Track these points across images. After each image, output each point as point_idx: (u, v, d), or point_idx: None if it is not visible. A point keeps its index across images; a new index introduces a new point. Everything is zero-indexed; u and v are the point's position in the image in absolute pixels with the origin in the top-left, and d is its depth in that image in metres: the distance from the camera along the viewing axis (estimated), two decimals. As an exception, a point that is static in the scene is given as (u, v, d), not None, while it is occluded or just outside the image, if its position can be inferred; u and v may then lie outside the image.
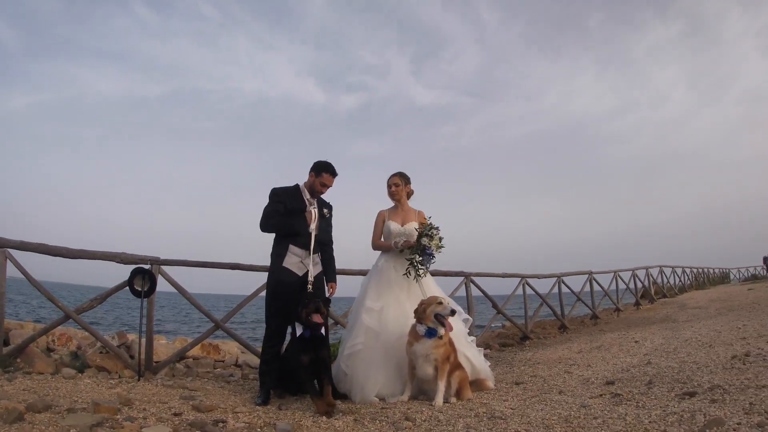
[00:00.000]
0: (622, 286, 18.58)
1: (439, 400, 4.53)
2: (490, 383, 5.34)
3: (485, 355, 6.00)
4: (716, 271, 40.42)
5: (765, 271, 41.04)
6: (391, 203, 5.90)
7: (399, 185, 5.78)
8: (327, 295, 5.30)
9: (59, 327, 6.83)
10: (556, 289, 13.45)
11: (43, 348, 7.51)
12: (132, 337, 7.55)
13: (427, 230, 5.37)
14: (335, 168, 5.24)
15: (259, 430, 3.52)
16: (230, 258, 6.99)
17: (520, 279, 11.93)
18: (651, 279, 22.10)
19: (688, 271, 30.90)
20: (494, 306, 10.92)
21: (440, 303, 4.80)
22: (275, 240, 5.17)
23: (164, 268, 6.47)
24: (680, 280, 28.19)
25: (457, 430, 3.61)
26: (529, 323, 11.67)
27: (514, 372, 6.49)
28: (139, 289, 5.81)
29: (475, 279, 10.21)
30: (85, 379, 5.26)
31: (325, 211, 5.34)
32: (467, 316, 5.55)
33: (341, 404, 4.63)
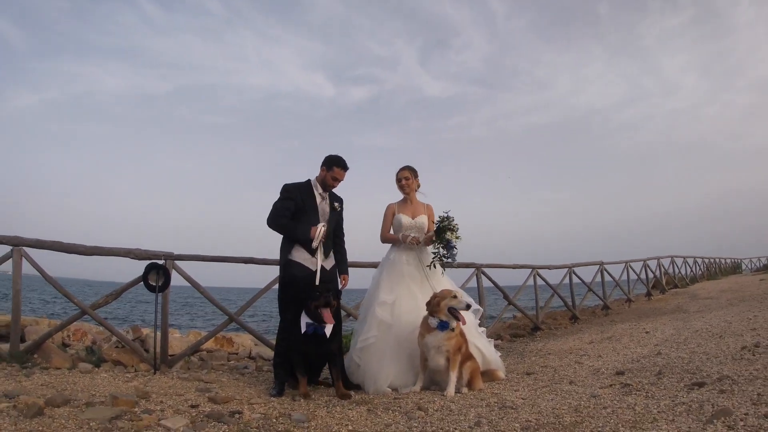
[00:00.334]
0: (633, 276, 18.50)
1: (451, 390, 4.57)
2: (501, 373, 5.38)
3: (496, 346, 6.03)
4: (728, 261, 40.10)
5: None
6: (399, 196, 5.92)
7: (409, 178, 5.78)
8: (339, 287, 5.36)
9: (74, 322, 6.91)
10: (567, 280, 13.44)
11: (59, 343, 7.61)
12: (146, 331, 7.63)
13: (448, 224, 5.38)
14: (346, 162, 5.28)
15: (274, 420, 3.57)
16: (243, 251, 7.07)
17: (531, 270, 11.95)
18: (662, 269, 21.99)
19: (699, 261, 30.69)
20: (505, 297, 10.95)
21: (455, 297, 4.83)
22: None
23: (178, 263, 6.54)
24: (692, 271, 28.01)
25: (468, 419, 3.65)
26: (540, 314, 11.69)
27: (525, 362, 6.53)
28: (154, 284, 5.87)
29: (486, 270, 10.23)
30: (101, 374, 5.33)
31: (336, 204, 5.37)
32: (478, 307, 5.59)
33: (355, 395, 4.71)
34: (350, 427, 3.49)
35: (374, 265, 5.81)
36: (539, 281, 12.09)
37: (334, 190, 5.39)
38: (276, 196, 5.20)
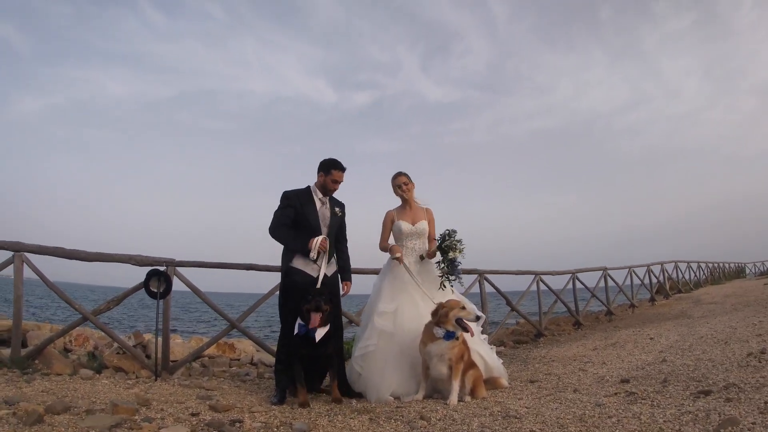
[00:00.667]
0: (636, 281, 18.42)
1: (454, 399, 4.53)
2: (504, 381, 5.33)
3: (499, 353, 5.99)
4: (731, 265, 40.06)
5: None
6: (397, 203, 5.85)
7: (408, 183, 5.73)
8: (342, 294, 5.38)
9: (76, 328, 6.89)
10: (570, 286, 13.38)
11: (61, 349, 7.61)
12: (148, 336, 7.62)
13: (451, 243, 5.36)
14: (342, 163, 5.27)
15: (275, 429, 3.54)
16: (244, 257, 7.07)
17: (534, 276, 11.91)
18: (666, 274, 21.95)
19: (703, 266, 30.66)
20: (508, 303, 10.91)
21: (463, 308, 4.80)
22: None
23: (179, 269, 6.52)
24: (695, 275, 27.98)
25: (471, 429, 3.61)
26: (543, 320, 11.63)
27: (528, 370, 6.48)
28: (155, 290, 5.86)
29: (489, 276, 10.19)
30: (102, 380, 5.31)
31: (337, 210, 5.34)
32: (480, 314, 5.56)
33: (357, 403, 4.67)
34: (352, 437, 3.47)
35: (376, 272, 5.77)
36: (542, 287, 12.03)
37: (335, 195, 5.37)
38: (277, 201, 5.19)
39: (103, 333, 7.06)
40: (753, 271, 44.31)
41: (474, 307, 5.17)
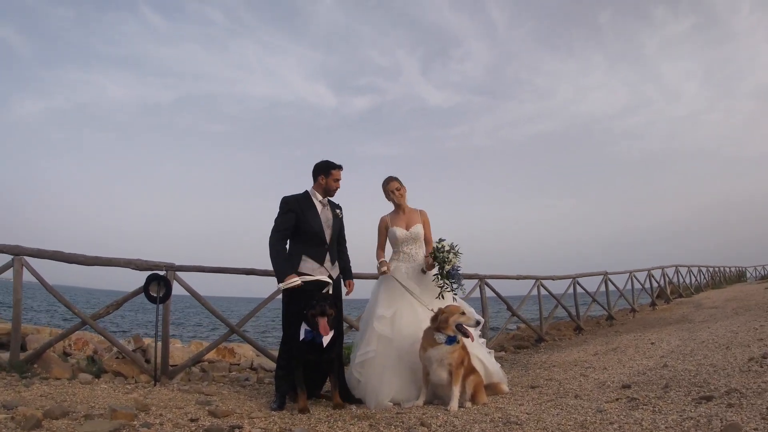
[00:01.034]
0: (637, 286, 18.44)
1: (454, 404, 4.49)
2: (505, 386, 5.29)
3: (499, 358, 5.97)
4: (732, 269, 40.04)
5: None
6: (390, 208, 5.85)
7: (401, 188, 5.72)
8: (345, 293, 5.44)
9: (76, 332, 6.88)
10: (571, 290, 13.37)
11: (60, 353, 7.59)
12: (148, 341, 7.60)
13: (443, 257, 5.34)
14: (336, 162, 5.32)
15: (274, 436, 3.53)
16: (244, 261, 7.07)
17: (534, 281, 11.90)
18: (667, 279, 21.96)
19: (704, 270, 30.65)
20: (509, 308, 10.89)
21: (463, 314, 4.77)
22: (290, 246, 5.19)
23: (179, 273, 6.51)
24: (696, 280, 27.96)
25: (472, 435, 3.60)
26: (544, 325, 11.61)
27: (529, 375, 6.45)
28: (155, 295, 5.85)
29: (490, 281, 10.18)
30: (101, 385, 5.30)
31: (338, 211, 5.38)
32: (480, 318, 5.55)
33: (356, 409, 4.64)
34: (352, 443, 3.45)
35: (376, 276, 5.76)
36: (543, 292, 12.02)
37: (331, 198, 5.40)
38: (276, 204, 5.19)
39: (102, 337, 7.04)
40: (754, 275, 44.37)
41: (473, 311, 5.16)
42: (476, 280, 9.91)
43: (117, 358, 6.38)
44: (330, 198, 5.38)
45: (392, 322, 5.20)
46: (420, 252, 5.65)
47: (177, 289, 6.39)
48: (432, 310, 4.91)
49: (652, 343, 8.14)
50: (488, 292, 10.06)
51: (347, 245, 5.59)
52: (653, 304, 18.85)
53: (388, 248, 5.80)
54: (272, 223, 5.12)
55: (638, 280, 18.53)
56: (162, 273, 6.18)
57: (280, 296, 5.35)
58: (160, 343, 6.20)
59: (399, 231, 5.62)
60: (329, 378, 4.94)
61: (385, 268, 5.47)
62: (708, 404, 3.91)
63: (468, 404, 4.63)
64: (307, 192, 5.29)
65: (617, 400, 4.41)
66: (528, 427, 3.72)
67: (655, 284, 20.29)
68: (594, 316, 15.76)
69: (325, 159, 5.31)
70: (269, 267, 6.90)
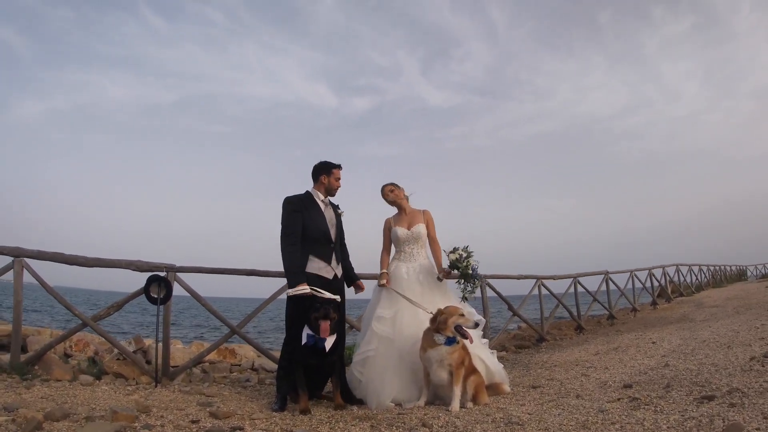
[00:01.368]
0: (638, 285, 18.43)
1: (456, 405, 4.49)
2: (506, 387, 5.28)
3: (500, 358, 5.96)
4: (733, 268, 40.04)
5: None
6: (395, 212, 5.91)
7: (394, 190, 5.82)
8: (356, 293, 5.57)
9: (77, 333, 6.88)
10: (572, 290, 13.35)
11: (61, 354, 7.58)
12: (149, 342, 7.59)
13: (466, 265, 5.44)
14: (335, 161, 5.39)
15: (275, 437, 3.52)
16: (245, 261, 7.08)
17: (535, 280, 11.88)
18: (667, 278, 21.96)
19: (704, 269, 30.65)
20: (510, 308, 10.88)
21: (462, 315, 4.76)
22: None
23: (180, 274, 6.50)
24: (697, 279, 27.97)
25: (473, 436, 3.59)
26: (545, 325, 11.60)
27: (530, 375, 6.44)
28: (156, 296, 5.85)
29: (491, 281, 10.17)
30: (102, 386, 5.29)
31: (340, 211, 5.43)
32: (481, 319, 5.55)
33: (358, 410, 4.63)
34: (353, 444, 3.44)
35: (376, 277, 5.76)
36: (544, 291, 12.00)
37: (331, 198, 5.42)
38: (276, 204, 5.19)
39: (103, 339, 7.03)
40: (754, 273, 44.38)
41: (473, 311, 5.16)
42: (481, 275, 9.90)
43: (118, 359, 6.37)
44: (330, 198, 5.40)
45: (393, 322, 5.21)
46: (421, 252, 5.69)
47: (178, 290, 6.38)
48: (431, 312, 4.91)
49: (654, 343, 8.13)
50: (489, 292, 10.06)
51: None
52: (654, 304, 18.84)
53: (393, 248, 5.84)
54: (278, 226, 5.10)
55: (639, 280, 18.53)
56: (162, 274, 6.18)
57: (283, 297, 5.34)
58: (160, 345, 6.19)
59: (400, 230, 5.66)
60: (331, 380, 4.93)
61: (384, 281, 5.52)
62: (710, 404, 3.89)
63: (469, 405, 4.62)
64: (308, 192, 5.31)
65: (619, 399, 4.39)
66: (530, 427, 3.71)
67: (656, 283, 20.31)
68: (595, 316, 15.75)
69: (324, 160, 5.36)
70: (270, 268, 6.92)
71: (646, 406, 4.04)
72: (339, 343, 4.87)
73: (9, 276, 5.84)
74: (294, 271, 4.93)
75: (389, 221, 5.84)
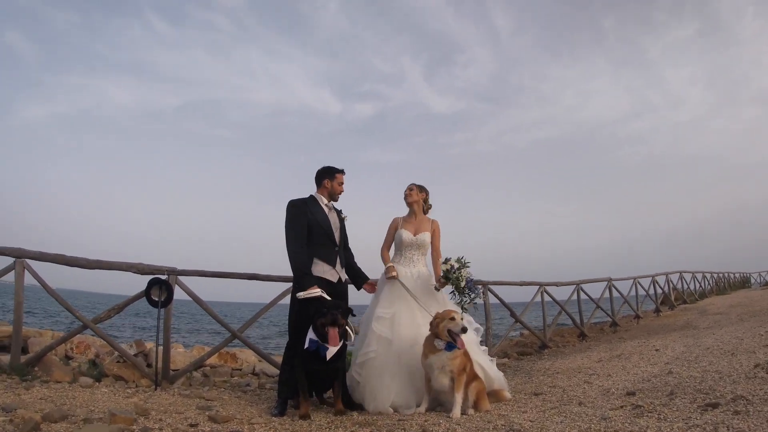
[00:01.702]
0: (641, 292, 18.37)
1: (457, 411, 4.45)
2: (507, 394, 5.24)
3: (502, 365, 5.93)
4: (736, 275, 39.98)
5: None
6: (406, 211, 5.88)
7: (413, 190, 5.79)
8: (370, 292, 5.62)
9: (78, 335, 6.87)
10: (574, 297, 13.30)
11: (62, 356, 7.57)
12: (150, 345, 7.58)
13: (457, 276, 5.37)
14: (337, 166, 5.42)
15: (274, 442, 3.50)
16: (247, 266, 7.06)
17: (538, 287, 11.84)
18: (671, 285, 21.88)
19: (708, 276, 30.58)
20: (512, 314, 10.83)
21: (452, 319, 4.70)
22: None
23: (181, 278, 6.49)
24: (700, 286, 27.92)
25: (475, 442, 3.56)
26: (547, 331, 11.54)
27: (532, 382, 6.41)
28: (156, 299, 5.84)
29: (493, 287, 10.13)
30: (102, 388, 5.28)
31: (343, 216, 5.45)
32: (477, 326, 5.52)
33: (358, 416, 4.60)
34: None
35: (376, 279, 5.75)
36: (546, 298, 11.95)
37: (333, 203, 5.43)
38: (279, 209, 5.19)
39: (104, 341, 7.03)
40: (758, 281, 44.26)
41: (471, 320, 5.16)
42: (480, 287, 9.86)
43: (118, 362, 6.36)
44: (333, 202, 5.39)
45: (391, 323, 5.19)
46: (421, 259, 5.68)
47: (179, 294, 6.38)
48: (431, 314, 4.89)
49: (657, 350, 8.09)
50: (492, 299, 10.01)
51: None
52: (657, 311, 18.75)
53: (393, 248, 5.82)
54: (282, 230, 5.08)
55: (642, 287, 18.45)
56: (164, 277, 6.17)
57: (285, 301, 5.32)
58: (161, 348, 6.18)
59: (405, 234, 5.65)
60: (333, 386, 4.88)
61: (394, 273, 5.44)
62: (714, 411, 3.85)
63: (471, 411, 4.58)
64: (312, 196, 5.31)
65: (622, 407, 4.35)
66: (531, 434, 3.68)
67: (659, 290, 20.21)
68: (598, 323, 15.70)
69: (327, 165, 5.38)
70: (271, 272, 6.90)
71: (649, 414, 3.99)
72: (342, 349, 4.82)
73: (10, 277, 5.84)
74: (304, 273, 4.93)
75: (397, 221, 5.82)
